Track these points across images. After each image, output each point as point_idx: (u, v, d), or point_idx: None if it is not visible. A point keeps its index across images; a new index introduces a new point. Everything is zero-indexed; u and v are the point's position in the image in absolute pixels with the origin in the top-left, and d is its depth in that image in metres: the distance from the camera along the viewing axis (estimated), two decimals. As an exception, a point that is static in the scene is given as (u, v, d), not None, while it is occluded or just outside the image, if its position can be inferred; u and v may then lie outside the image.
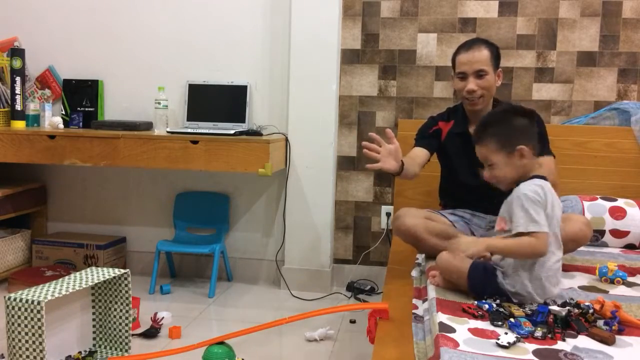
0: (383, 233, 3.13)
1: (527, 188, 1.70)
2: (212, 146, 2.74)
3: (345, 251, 3.21)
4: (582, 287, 1.94)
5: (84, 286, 2.01)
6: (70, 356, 2.09)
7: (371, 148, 2.11)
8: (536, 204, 1.67)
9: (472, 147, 2.35)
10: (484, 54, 2.28)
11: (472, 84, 2.28)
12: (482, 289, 1.75)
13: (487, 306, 1.63)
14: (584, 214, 2.52)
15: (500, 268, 1.75)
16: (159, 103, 3.02)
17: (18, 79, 3.10)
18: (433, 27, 3.01)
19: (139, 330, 2.41)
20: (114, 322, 2.17)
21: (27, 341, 1.85)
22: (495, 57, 2.32)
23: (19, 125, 3.10)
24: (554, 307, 1.56)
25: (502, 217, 1.79)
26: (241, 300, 2.94)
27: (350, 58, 3.09)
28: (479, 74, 2.28)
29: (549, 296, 1.71)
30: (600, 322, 1.52)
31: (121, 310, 2.16)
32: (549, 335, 1.46)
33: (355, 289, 3.06)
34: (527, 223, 1.66)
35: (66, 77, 3.26)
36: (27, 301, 1.84)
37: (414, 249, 2.40)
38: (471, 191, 2.37)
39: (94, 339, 2.20)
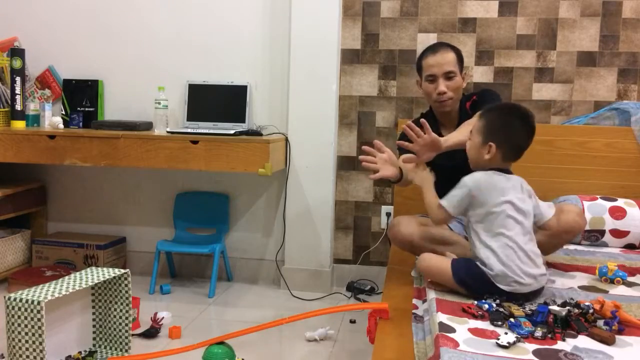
0: (383, 233, 3.13)
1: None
2: (212, 146, 2.74)
3: (345, 251, 3.21)
4: (582, 287, 1.94)
5: (84, 286, 2.01)
6: (70, 356, 2.09)
7: (367, 160, 2.15)
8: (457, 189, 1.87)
9: None
10: (450, 56, 2.33)
11: (442, 85, 2.32)
12: (466, 276, 1.78)
13: (487, 306, 1.63)
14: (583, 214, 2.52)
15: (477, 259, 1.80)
16: (159, 103, 3.02)
17: (18, 79, 3.10)
18: (433, 27, 3.01)
19: (139, 330, 2.41)
20: (114, 322, 2.17)
21: (27, 341, 1.85)
22: (460, 60, 2.38)
23: (19, 125, 3.10)
24: (554, 307, 1.56)
25: None
26: (241, 300, 2.94)
27: (350, 58, 3.09)
28: (448, 76, 2.33)
29: (524, 275, 1.72)
30: (600, 322, 1.53)
31: (121, 310, 2.16)
32: (549, 335, 1.46)
33: (355, 289, 3.06)
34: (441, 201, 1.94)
35: (66, 77, 3.26)
36: (27, 301, 1.84)
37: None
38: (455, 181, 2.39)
39: (94, 339, 2.20)
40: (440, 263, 1.86)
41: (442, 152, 2.28)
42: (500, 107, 1.95)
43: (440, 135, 2.39)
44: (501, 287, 1.72)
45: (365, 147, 2.20)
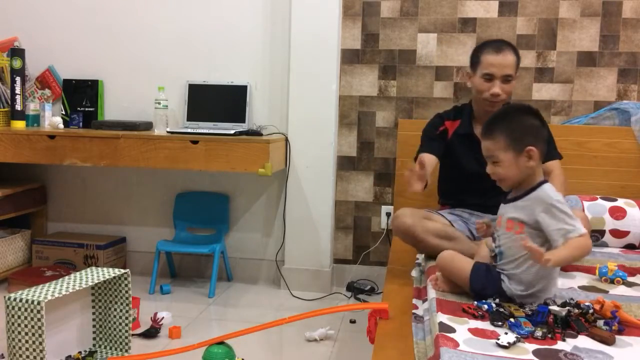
0: (383, 233, 3.13)
1: (555, 196, 1.66)
2: (212, 146, 2.74)
3: (345, 251, 3.21)
4: (582, 287, 1.94)
5: (84, 286, 2.01)
6: (70, 356, 2.09)
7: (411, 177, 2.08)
8: (567, 210, 1.64)
9: (475, 144, 2.32)
10: (512, 59, 2.27)
11: (498, 88, 2.26)
12: (483, 289, 1.74)
13: (487, 306, 1.63)
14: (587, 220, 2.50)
15: (503, 271, 1.73)
16: (159, 103, 3.02)
17: (18, 79, 3.10)
18: (433, 27, 3.01)
19: (139, 330, 2.41)
20: (114, 322, 2.17)
21: (27, 341, 1.85)
22: (518, 63, 2.33)
23: (19, 125, 3.10)
24: (554, 307, 1.55)
25: (514, 220, 1.71)
26: (241, 300, 2.94)
27: (350, 58, 3.09)
28: (506, 79, 2.27)
29: (549, 296, 1.70)
30: (600, 322, 1.52)
31: (121, 310, 2.16)
32: (549, 335, 1.45)
33: (355, 289, 3.06)
34: (568, 233, 1.61)
35: (66, 77, 3.26)
36: (27, 301, 1.84)
37: (414, 249, 2.40)
38: (477, 187, 2.35)
39: (94, 339, 2.20)
40: (462, 265, 1.80)
41: (471, 158, 2.28)
42: (506, 113, 1.77)
43: (473, 134, 2.36)
44: (518, 301, 1.69)
45: (416, 167, 2.08)
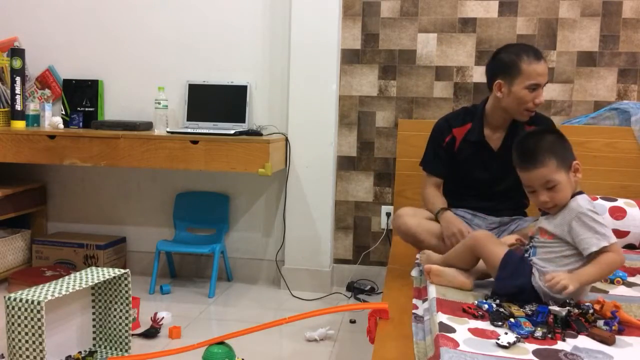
0: (383, 233, 3.13)
1: (585, 205, 1.68)
2: (212, 146, 2.74)
3: (345, 251, 3.21)
4: (582, 287, 1.94)
5: (84, 286, 2.01)
6: (70, 356, 2.09)
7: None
8: (598, 218, 1.66)
9: (486, 151, 2.31)
10: (547, 66, 2.20)
11: (542, 96, 2.18)
12: (512, 275, 1.72)
13: (487, 306, 1.63)
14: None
15: (535, 264, 1.72)
16: (159, 103, 3.02)
17: (18, 79, 3.10)
18: (433, 27, 3.01)
19: (139, 330, 2.41)
20: (114, 322, 2.17)
21: (27, 341, 1.85)
22: None
23: (19, 125, 3.10)
24: (554, 307, 1.55)
25: (546, 231, 1.74)
26: (241, 300, 2.94)
27: (350, 58, 3.09)
28: (543, 86, 2.20)
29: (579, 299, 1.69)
30: (600, 322, 1.53)
31: (121, 310, 2.16)
32: (549, 335, 1.46)
33: (355, 289, 3.06)
34: (598, 242, 1.63)
35: (66, 77, 3.26)
36: (27, 301, 1.84)
37: (414, 249, 2.40)
38: (485, 193, 2.36)
39: (94, 339, 2.20)
40: (496, 248, 1.80)
41: (481, 166, 2.29)
42: (542, 138, 1.75)
43: (484, 139, 2.32)
44: (544, 299, 1.68)
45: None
